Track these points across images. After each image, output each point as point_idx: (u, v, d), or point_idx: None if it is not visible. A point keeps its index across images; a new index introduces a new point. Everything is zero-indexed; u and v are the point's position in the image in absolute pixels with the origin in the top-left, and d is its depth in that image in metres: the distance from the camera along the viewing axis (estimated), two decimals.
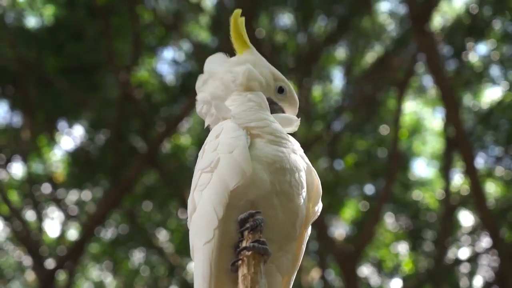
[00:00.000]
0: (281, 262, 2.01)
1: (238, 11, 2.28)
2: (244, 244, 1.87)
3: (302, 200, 2.04)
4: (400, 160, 11.30)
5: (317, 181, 2.15)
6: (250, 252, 1.84)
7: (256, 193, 1.94)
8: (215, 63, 2.32)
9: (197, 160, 2.09)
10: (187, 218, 2.08)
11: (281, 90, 2.28)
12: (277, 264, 2.00)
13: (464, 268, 12.77)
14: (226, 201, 1.89)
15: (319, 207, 2.15)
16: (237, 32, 2.30)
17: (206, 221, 1.91)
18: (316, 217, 2.15)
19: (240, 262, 1.85)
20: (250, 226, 1.88)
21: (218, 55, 2.35)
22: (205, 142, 2.10)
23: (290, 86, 2.32)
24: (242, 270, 1.83)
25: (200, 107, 2.25)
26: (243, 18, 2.30)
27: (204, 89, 2.26)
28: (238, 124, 2.04)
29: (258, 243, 1.85)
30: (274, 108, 2.25)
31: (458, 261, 12.60)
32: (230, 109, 2.12)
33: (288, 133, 2.19)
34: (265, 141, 2.03)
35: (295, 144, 2.14)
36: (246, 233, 1.89)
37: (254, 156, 1.97)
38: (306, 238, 2.13)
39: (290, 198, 2.00)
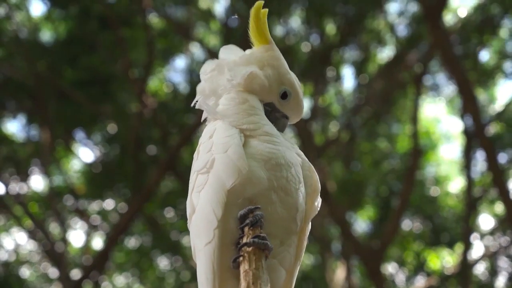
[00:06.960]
0: (283, 257, 2.00)
1: (260, 2, 2.11)
2: (244, 240, 1.86)
3: (301, 195, 2.04)
4: (419, 157, 11.20)
5: (315, 177, 2.13)
6: (250, 248, 1.83)
7: (254, 191, 1.93)
8: (227, 54, 2.25)
9: (193, 162, 2.08)
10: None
11: (284, 95, 2.18)
12: (279, 259, 1.99)
13: (487, 266, 12.62)
14: (224, 201, 1.88)
15: (318, 202, 2.13)
16: (257, 24, 2.15)
17: (206, 222, 1.89)
18: (316, 212, 2.13)
19: (241, 258, 1.84)
20: (250, 222, 1.87)
21: (233, 47, 2.28)
22: (199, 143, 2.09)
23: (297, 90, 2.20)
24: (244, 266, 1.81)
25: (197, 97, 2.20)
26: (266, 10, 2.13)
27: (207, 79, 2.20)
28: (230, 124, 2.03)
29: (258, 238, 1.84)
30: (276, 116, 2.18)
31: (480, 259, 12.45)
32: (217, 111, 2.09)
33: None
34: (259, 140, 2.02)
35: (289, 142, 2.12)
36: (246, 229, 1.88)
37: (249, 154, 1.96)
38: (307, 233, 2.13)
39: (288, 193, 1.99)
